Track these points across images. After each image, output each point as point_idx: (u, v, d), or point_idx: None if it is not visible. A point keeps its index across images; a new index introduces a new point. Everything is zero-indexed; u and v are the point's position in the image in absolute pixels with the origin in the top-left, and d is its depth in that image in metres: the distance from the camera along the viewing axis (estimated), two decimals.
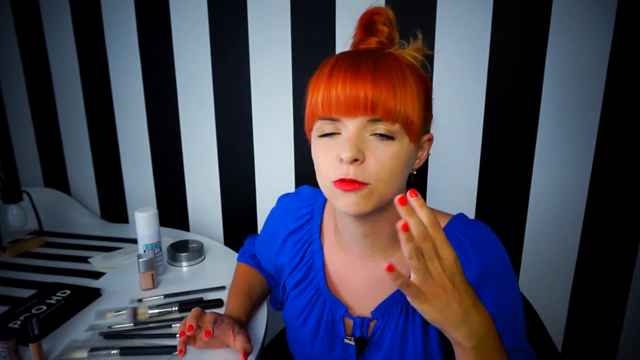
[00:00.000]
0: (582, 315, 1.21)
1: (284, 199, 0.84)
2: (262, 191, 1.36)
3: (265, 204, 1.37)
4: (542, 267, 1.20)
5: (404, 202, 0.43)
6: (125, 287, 1.01)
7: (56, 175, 1.57)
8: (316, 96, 0.58)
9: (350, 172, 0.55)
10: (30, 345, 0.73)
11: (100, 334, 0.83)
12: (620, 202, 1.11)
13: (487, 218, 1.20)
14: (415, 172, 0.63)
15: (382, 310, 0.66)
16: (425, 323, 0.63)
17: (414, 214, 0.43)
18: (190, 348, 0.75)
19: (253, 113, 1.30)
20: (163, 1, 1.29)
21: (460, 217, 0.66)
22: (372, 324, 0.67)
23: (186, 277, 1.08)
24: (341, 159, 0.55)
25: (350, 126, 0.56)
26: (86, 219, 1.50)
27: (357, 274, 0.69)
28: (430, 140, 0.64)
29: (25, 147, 1.56)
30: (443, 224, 0.65)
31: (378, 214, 0.62)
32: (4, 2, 1.42)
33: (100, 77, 1.41)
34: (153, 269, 1.00)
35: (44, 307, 0.91)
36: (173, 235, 1.32)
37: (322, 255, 0.73)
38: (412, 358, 0.64)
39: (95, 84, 1.43)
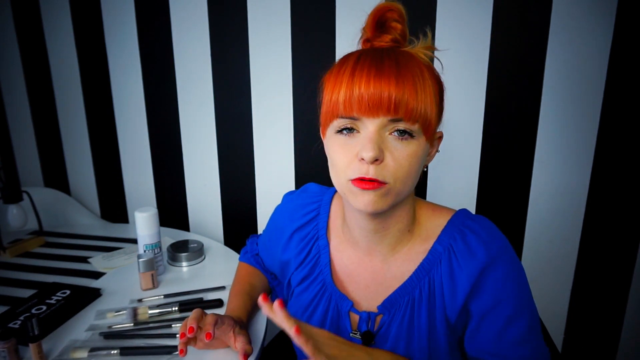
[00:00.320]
0: (582, 315, 1.21)
1: (289, 195, 0.84)
2: (262, 191, 1.36)
3: (265, 204, 1.37)
4: (542, 267, 1.20)
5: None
6: (125, 287, 1.01)
7: (56, 175, 1.57)
8: (337, 94, 0.57)
9: (370, 171, 0.55)
10: (30, 345, 0.73)
11: (100, 334, 0.83)
12: (620, 202, 1.11)
13: (487, 218, 1.20)
14: (426, 169, 0.64)
15: (389, 304, 0.66)
16: (431, 317, 0.64)
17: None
18: (190, 348, 0.75)
19: (253, 113, 1.30)
20: (163, 1, 1.29)
21: (463, 211, 0.67)
22: (379, 319, 0.68)
23: (186, 277, 1.08)
24: (362, 158, 0.55)
25: (371, 125, 0.56)
26: (86, 219, 1.50)
27: (364, 269, 0.69)
28: (441, 137, 0.65)
29: (25, 147, 1.56)
30: (447, 218, 0.66)
31: (390, 210, 0.62)
32: (4, 2, 1.42)
33: (100, 77, 1.41)
34: (153, 269, 1.00)
35: (44, 307, 0.91)
36: (173, 235, 1.32)
37: (329, 251, 0.73)
38: (417, 352, 0.64)
39: (95, 84, 1.43)
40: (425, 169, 0.64)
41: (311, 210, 0.77)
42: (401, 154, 0.56)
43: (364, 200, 0.57)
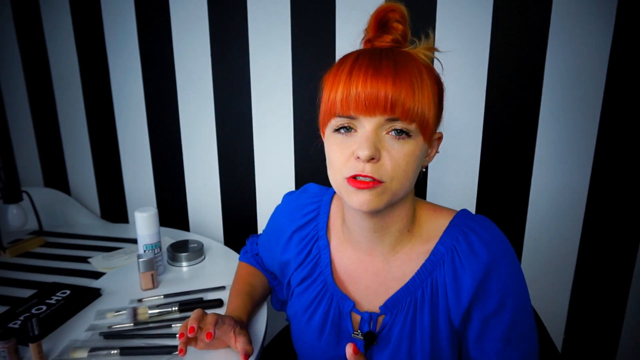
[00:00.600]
0: (582, 315, 1.21)
1: (289, 195, 0.84)
2: (262, 191, 1.36)
3: (265, 204, 1.37)
4: (542, 267, 1.20)
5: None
6: (125, 287, 1.01)
7: (56, 175, 1.57)
8: (335, 93, 0.57)
9: (366, 169, 0.56)
10: (30, 345, 0.73)
11: (100, 334, 0.83)
12: (620, 202, 1.11)
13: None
14: (425, 170, 0.64)
15: (391, 305, 0.66)
16: (433, 317, 0.64)
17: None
18: (190, 348, 0.75)
19: (253, 113, 1.30)
20: (163, 1, 1.29)
21: (465, 212, 0.67)
22: (381, 319, 0.68)
23: (186, 277, 1.08)
24: (358, 157, 0.55)
25: (368, 124, 0.56)
26: (86, 219, 1.50)
27: (365, 270, 0.69)
28: (440, 138, 0.65)
29: (25, 147, 1.56)
30: (448, 219, 0.66)
31: (388, 210, 0.63)
32: (4, 2, 1.42)
33: (100, 77, 1.41)
34: (153, 269, 1.00)
35: (44, 307, 0.91)
36: (173, 235, 1.32)
37: (329, 251, 0.73)
38: (420, 353, 0.64)
39: (95, 84, 1.43)
40: (425, 169, 0.64)
41: (311, 211, 0.77)
42: (398, 153, 0.56)
43: (360, 198, 0.57)
